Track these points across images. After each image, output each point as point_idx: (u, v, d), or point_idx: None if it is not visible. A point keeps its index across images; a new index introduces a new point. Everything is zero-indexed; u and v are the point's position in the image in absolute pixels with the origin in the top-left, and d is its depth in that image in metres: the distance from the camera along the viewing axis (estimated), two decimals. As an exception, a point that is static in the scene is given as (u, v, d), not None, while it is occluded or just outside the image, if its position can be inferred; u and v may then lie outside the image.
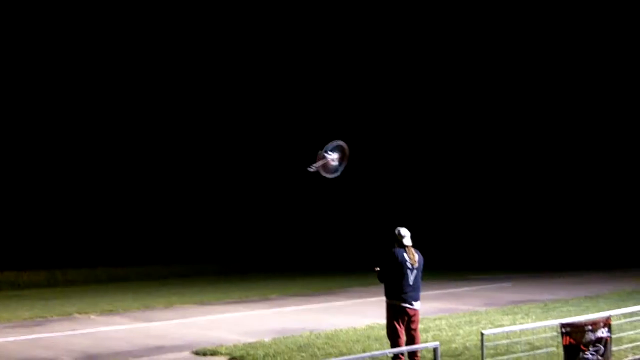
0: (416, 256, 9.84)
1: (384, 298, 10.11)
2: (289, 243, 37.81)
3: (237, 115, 40.23)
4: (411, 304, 9.74)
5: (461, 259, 33.06)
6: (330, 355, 10.56)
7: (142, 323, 15.36)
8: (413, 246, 9.95)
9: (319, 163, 9.89)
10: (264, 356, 10.62)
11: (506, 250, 35.59)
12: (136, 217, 36.84)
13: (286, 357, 10.48)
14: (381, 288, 10.69)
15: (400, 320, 9.72)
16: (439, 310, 15.56)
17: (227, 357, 10.81)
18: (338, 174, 10.00)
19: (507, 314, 14.78)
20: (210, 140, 39.63)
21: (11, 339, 13.50)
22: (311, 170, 9.81)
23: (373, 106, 42.15)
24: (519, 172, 41.33)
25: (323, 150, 9.92)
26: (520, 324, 13.14)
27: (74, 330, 14.43)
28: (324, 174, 9.95)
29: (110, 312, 17.46)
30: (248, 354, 10.82)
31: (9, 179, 34.76)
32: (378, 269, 9.95)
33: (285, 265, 32.71)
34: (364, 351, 10.81)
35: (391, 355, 9.59)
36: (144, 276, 28.82)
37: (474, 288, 21.49)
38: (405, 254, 9.76)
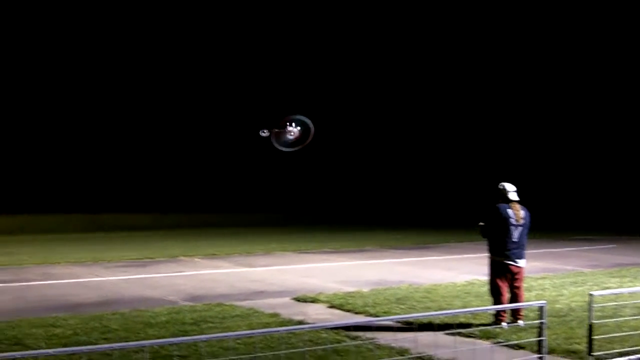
0: (522, 212, 9.57)
1: (483, 255, 9.93)
2: (387, 196, 37.75)
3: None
4: (515, 262, 9.52)
5: (564, 219, 32.07)
6: (429, 309, 10.46)
7: (244, 268, 15.78)
8: (519, 202, 9.68)
9: (277, 130, 9.21)
10: (362, 306, 10.65)
11: (611, 211, 34.25)
12: (235, 166, 37.74)
13: (385, 308, 10.45)
14: (480, 244, 10.51)
15: (503, 278, 9.54)
16: (542, 270, 15.18)
17: (327, 304, 10.91)
18: (288, 150, 9.32)
19: (614, 277, 14.25)
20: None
21: (122, 277, 14.16)
22: (263, 134, 9.14)
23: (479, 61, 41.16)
24: (626, 133, 39.47)
25: (290, 119, 9.26)
26: (629, 287, 12.67)
27: (179, 272, 14.99)
28: (274, 142, 9.27)
29: (213, 256, 18.03)
30: (347, 303, 10.89)
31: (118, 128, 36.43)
32: (482, 224, 9.76)
33: (380, 219, 32.70)
34: (464, 307, 10.61)
35: (493, 312, 9.45)
36: (240, 223, 29.55)
37: (577, 248, 20.85)
38: (510, 210, 9.51)
